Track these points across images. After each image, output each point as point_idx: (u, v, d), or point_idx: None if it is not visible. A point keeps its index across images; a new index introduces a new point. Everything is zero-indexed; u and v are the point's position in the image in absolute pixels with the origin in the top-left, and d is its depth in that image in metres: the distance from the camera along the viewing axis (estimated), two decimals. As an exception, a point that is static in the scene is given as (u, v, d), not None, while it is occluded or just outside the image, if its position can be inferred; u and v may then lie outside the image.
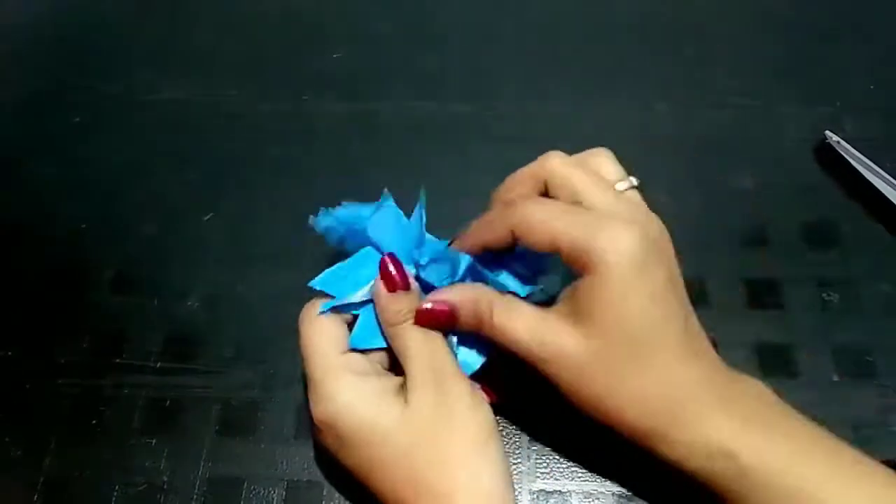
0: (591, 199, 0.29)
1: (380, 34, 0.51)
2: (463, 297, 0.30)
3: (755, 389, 0.29)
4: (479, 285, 0.31)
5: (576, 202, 0.29)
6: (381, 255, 0.31)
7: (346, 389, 0.29)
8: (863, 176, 0.41)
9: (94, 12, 0.54)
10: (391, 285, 0.30)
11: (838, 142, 0.42)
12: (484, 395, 0.31)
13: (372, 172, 0.44)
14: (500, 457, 0.29)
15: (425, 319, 0.30)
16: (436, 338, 0.30)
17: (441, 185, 0.43)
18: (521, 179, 0.32)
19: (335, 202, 0.43)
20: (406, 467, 0.28)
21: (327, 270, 0.32)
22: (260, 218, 0.43)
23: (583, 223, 0.28)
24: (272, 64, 0.50)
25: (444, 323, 0.30)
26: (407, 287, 0.30)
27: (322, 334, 0.30)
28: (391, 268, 0.30)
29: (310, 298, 0.32)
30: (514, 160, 0.43)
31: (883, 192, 0.40)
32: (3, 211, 0.45)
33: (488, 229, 0.31)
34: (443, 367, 0.29)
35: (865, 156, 0.41)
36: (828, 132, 0.43)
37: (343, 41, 0.51)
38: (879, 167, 0.41)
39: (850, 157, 0.42)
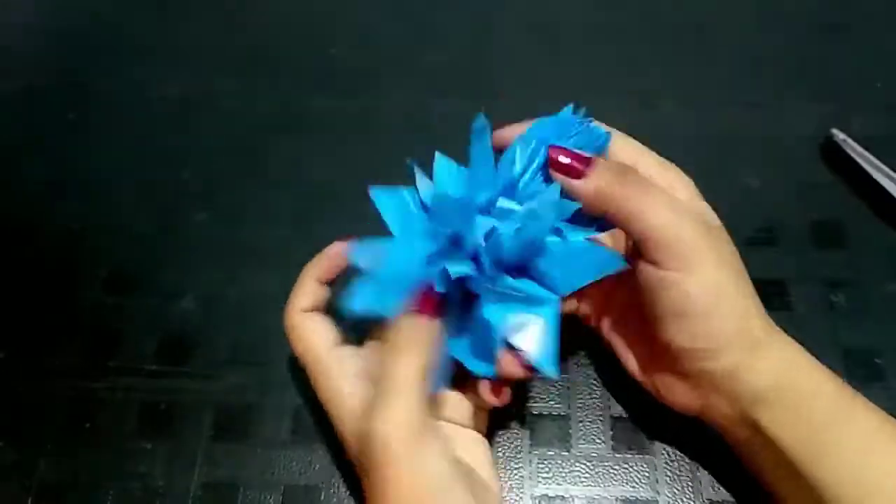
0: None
1: (379, 32, 0.51)
2: (607, 170, 0.30)
3: (795, 350, 0.30)
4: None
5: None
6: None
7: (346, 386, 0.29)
8: (869, 174, 0.41)
9: (91, 10, 0.54)
10: (423, 310, 0.28)
11: (845, 140, 0.42)
12: (492, 398, 0.30)
13: (371, 171, 0.43)
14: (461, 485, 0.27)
15: (554, 157, 0.30)
16: (416, 385, 0.27)
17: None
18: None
19: (335, 202, 0.42)
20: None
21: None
22: (257, 218, 0.42)
23: (686, 229, 0.29)
24: (271, 62, 0.50)
25: (569, 172, 0.30)
26: (435, 316, 0.28)
27: (311, 337, 0.31)
28: (427, 299, 0.28)
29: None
30: (514, 159, 0.43)
31: (890, 190, 0.40)
32: (-2, 210, 0.44)
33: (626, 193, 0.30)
34: (394, 420, 0.26)
35: (872, 154, 0.41)
36: (834, 130, 0.42)
37: (342, 39, 0.50)
38: (886, 165, 0.40)
39: (857, 156, 0.41)
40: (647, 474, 0.34)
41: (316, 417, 0.35)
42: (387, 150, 0.45)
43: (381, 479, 0.26)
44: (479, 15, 0.51)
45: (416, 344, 0.28)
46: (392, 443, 0.26)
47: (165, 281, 0.40)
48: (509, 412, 0.35)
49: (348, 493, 0.34)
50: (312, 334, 0.31)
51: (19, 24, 0.54)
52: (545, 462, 0.34)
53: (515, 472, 0.34)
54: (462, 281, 0.29)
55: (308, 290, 0.32)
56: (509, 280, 0.30)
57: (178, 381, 0.37)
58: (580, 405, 0.35)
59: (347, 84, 0.48)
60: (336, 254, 0.32)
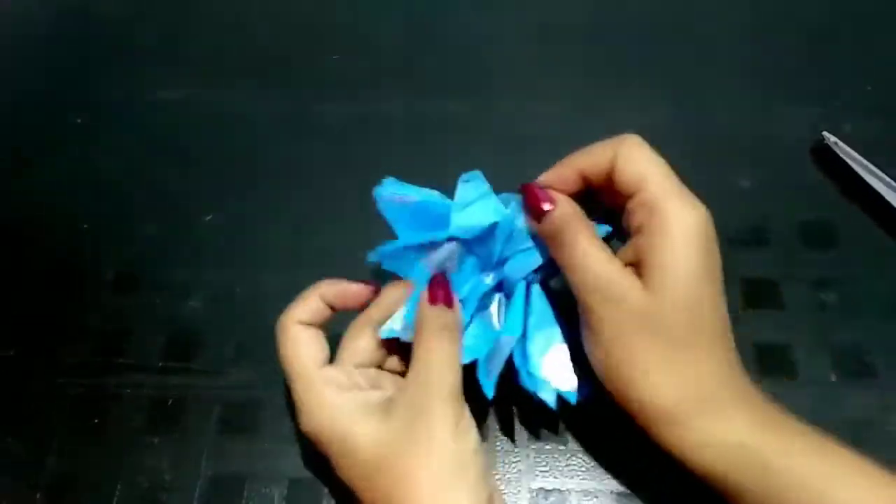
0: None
1: (380, 34, 0.51)
2: (565, 206, 0.30)
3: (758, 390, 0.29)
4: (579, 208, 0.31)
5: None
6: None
7: (327, 404, 0.29)
8: (860, 176, 0.41)
9: (95, 12, 0.54)
10: (434, 299, 0.30)
11: (836, 142, 0.42)
12: None
13: (372, 172, 0.44)
14: (477, 486, 0.28)
15: (526, 192, 0.31)
16: (449, 365, 0.29)
17: (440, 186, 0.43)
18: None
19: (335, 202, 0.43)
20: (373, 485, 0.28)
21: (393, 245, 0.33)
22: (261, 218, 0.43)
23: (672, 182, 0.29)
24: (272, 64, 0.50)
25: (536, 209, 0.31)
26: (450, 304, 0.31)
27: (300, 348, 0.31)
28: (439, 287, 0.31)
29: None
30: (514, 160, 0.44)
31: (880, 192, 0.40)
32: (5, 211, 0.45)
33: (588, 155, 0.31)
34: (438, 386, 0.29)
35: (863, 156, 0.41)
36: (825, 133, 0.43)
37: (343, 41, 0.51)
38: (877, 168, 0.41)
39: (848, 158, 0.42)
40: (643, 468, 0.34)
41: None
42: (388, 152, 0.45)
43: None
44: (478, 18, 0.52)
45: (439, 333, 0.30)
46: (328, 434, 0.29)
47: (173, 280, 0.41)
48: (508, 407, 0.36)
49: (352, 486, 0.34)
50: (301, 345, 0.31)
51: (28, 28, 0.54)
52: (542, 456, 0.35)
53: (513, 465, 0.35)
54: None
55: (311, 305, 0.32)
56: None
57: (185, 377, 0.37)
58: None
59: (349, 87, 0.48)
60: (356, 291, 0.33)
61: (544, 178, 0.32)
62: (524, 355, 0.32)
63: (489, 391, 0.31)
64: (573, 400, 0.32)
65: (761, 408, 0.28)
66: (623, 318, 0.28)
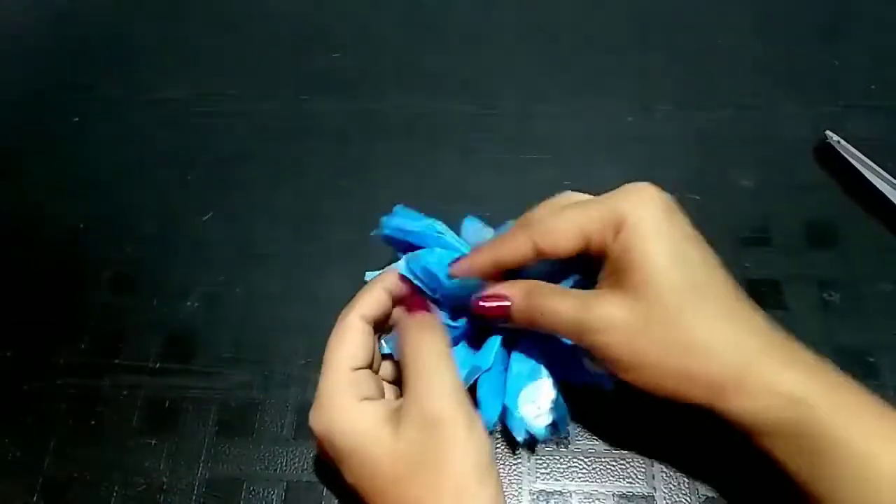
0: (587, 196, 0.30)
1: (380, 34, 0.51)
2: (519, 294, 0.30)
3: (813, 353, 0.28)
4: (521, 280, 0.31)
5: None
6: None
7: (345, 411, 0.29)
8: (863, 176, 0.41)
9: (94, 12, 0.54)
10: (411, 307, 0.31)
11: (839, 141, 0.42)
12: None
13: (372, 172, 0.44)
14: (495, 492, 0.27)
15: (482, 311, 0.31)
16: (445, 361, 0.29)
17: (441, 186, 0.43)
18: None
19: (335, 202, 0.43)
20: (390, 498, 0.27)
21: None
22: (259, 218, 0.43)
23: (603, 201, 0.29)
24: (272, 64, 0.50)
25: (499, 318, 0.31)
26: (426, 310, 0.31)
27: (345, 344, 0.30)
28: (413, 301, 0.31)
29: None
30: (513, 160, 0.44)
31: (883, 191, 0.40)
32: (2, 209, 0.45)
33: (505, 245, 0.30)
34: (441, 395, 0.28)
35: (866, 155, 0.41)
36: (828, 132, 0.43)
37: (343, 41, 0.51)
38: (880, 167, 0.41)
39: (851, 157, 0.42)
40: (643, 470, 0.34)
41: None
42: (387, 153, 0.45)
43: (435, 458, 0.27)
44: (478, 19, 0.52)
45: (425, 334, 0.30)
46: (341, 442, 0.28)
47: (170, 280, 0.40)
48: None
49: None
50: (347, 342, 0.30)
51: (27, 28, 0.54)
52: (543, 458, 0.35)
53: (514, 467, 0.34)
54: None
55: (376, 298, 0.31)
56: None
57: (182, 378, 0.37)
58: (578, 402, 0.36)
59: (348, 87, 0.48)
60: (408, 291, 0.32)
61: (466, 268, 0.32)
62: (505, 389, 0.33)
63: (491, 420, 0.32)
64: (542, 435, 0.32)
65: (807, 357, 0.27)
66: (624, 335, 0.27)
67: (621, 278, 0.28)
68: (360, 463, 0.28)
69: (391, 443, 0.27)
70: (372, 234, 0.34)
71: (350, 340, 0.30)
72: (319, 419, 0.29)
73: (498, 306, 0.30)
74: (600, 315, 0.28)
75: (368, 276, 0.34)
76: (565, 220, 0.29)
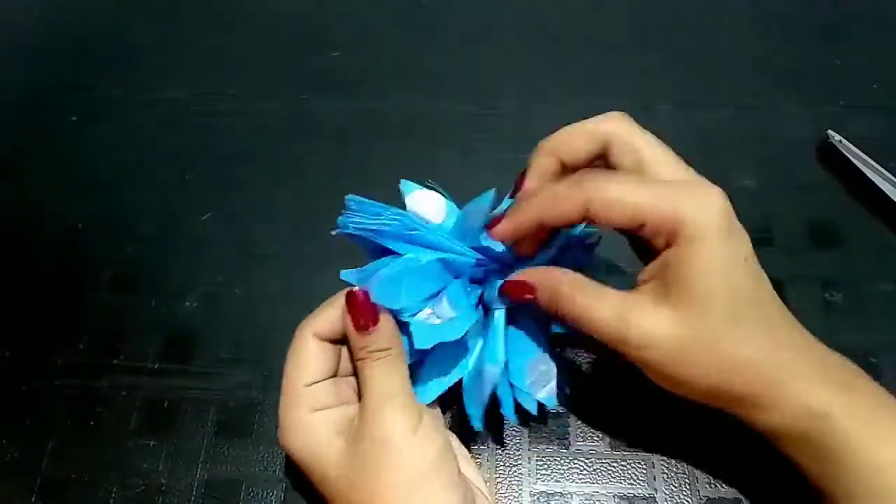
0: (662, 167, 0.28)
1: (380, 34, 0.51)
2: (542, 278, 0.29)
3: (849, 363, 0.28)
4: (560, 269, 0.30)
5: (641, 170, 0.29)
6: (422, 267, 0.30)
7: (302, 424, 0.29)
8: (865, 175, 0.41)
9: (94, 12, 0.54)
10: (358, 323, 0.29)
11: (840, 141, 0.42)
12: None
13: (372, 172, 0.44)
14: (449, 489, 0.27)
15: (506, 292, 0.30)
16: (395, 374, 0.29)
17: (440, 185, 0.43)
18: (578, 134, 0.30)
19: (335, 202, 0.43)
20: (347, 502, 0.27)
21: (372, 268, 0.31)
22: (259, 218, 0.43)
23: (668, 192, 0.27)
24: (272, 64, 0.50)
25: (523, 300, 0.30)
26: (375, 324, 0.29)
27: (299, 363, 0.30)
28: (359, 307, 0.29)
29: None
30: (513, 160, 0.44)
31: (885, 191, 0.40)
32: (1, 209, 0.45)
33: (552, 206, 0.28)
34: (387, 399, 0.28)
35: (868, 155, 0.41)
36: (830, 131, 0.43)
37: (343, 41, 0.51)
38: (882, 166, 0.41)
39: (853, 157, 0.41)
40: (644, 471, 0.34)
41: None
42: (386, 153, 0.45)
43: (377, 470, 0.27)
44: (477, 20, 0.52)
45: (378, 367, 0.29)
46: (299, 455, 0.28)
47: (169, 281, 0.40)
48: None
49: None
50: (300, 361, 0.30)
51: (27, 28, 0.54)
52: (544, 459, 0.34)
53: (514, 469, 0.34)
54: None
55: (331, 316, 0.30)
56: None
57: (181, 379, 0.37)
58: (579, 403, 0.36)
59: (348, 87, 0.48)
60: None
61: (528, 183, 0.31)
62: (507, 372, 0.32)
63: (477, 423, 0.31)
64: (552, 405, 0.32)
65: (839, 372, 0.27)
66: (665, 350, 0.27)
67: (670, 289, 0.27)
68: (317, 475, 0.28)
69: (342, 450, 0.28)
70: (332, 233, 0.32)
71: (303, 358, 0.30)
72: (281, 436, 0.29)
73: (524, 296, 0.30)
74: (643, 331, 0.27)
75: (343, 275, 0.32)
76: (626, 196, 0.27)
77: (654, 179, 0.28)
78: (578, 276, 0.29)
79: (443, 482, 0.28)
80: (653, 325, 0.27)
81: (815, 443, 0.27)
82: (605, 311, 0.27)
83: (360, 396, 0.30)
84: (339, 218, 0.31)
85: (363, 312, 0.29)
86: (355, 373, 0.30)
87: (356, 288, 0.29)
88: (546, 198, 0.28)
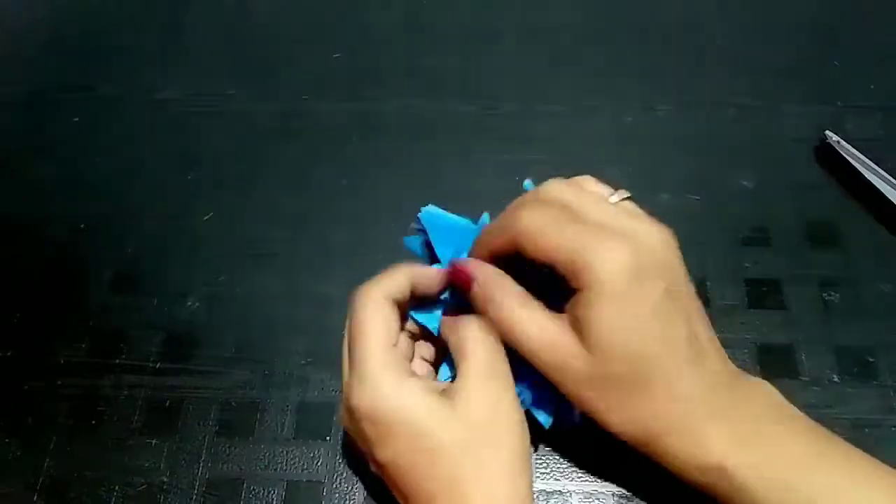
0: (584, 209, 0.29)
1: (380, 34, 0.51)
2: (483, 275, 0.30)
3: (761, 394, 0.28)
4: (505, 276, 0.30)
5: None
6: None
7: (395, 382, 0.28)
8: (863, 176, 0.41)
9: (94, 13, 0.54)
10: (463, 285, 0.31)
11: (839, 141, 0.42)
12: None
13: (372, 172, 0.44)
14: (532, 472, 0.29)
15: (452, 272, 0.31)
16: (494, 339, 0.29)
17: (441, 185, 0.43)
18: (520, 202, 0.31)
19: (334, 202, 0.43)
20: (448, 470, 0.27)
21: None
22: (260, 218, 0.43)
23: (579, 237, 0.27)
24: (272, 64, 0.50)
25: (461, 286, 0.31)
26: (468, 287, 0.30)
27: (380, 322, 0.29)
28: (461, 273, 0.31)
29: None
30: (514, 160, 0.44)
31: (883, 191, 0.40)
32: (3, 210, 0.45)
33: (494, 236, 0.30)
34: (499, 373, 0.29)
35: (866, 155, 0.41)
36: (828, 132, 0.43)
37: (343, 41, 0.51)
38: (880, 167, 0.41)
39: (851, 157, 0.42)
40: (644, 471, 0.34)
41: (318, 414, 0.36)
42: (387, 153, 0.45)
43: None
44: (477, 20, 0.52)
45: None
46: (391, 413, 0.28)
47: (171, 280, 0.41)
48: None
49: (350, 488, 0.34)
50: (381, 320, 0.30)
51: (27, 28, 0.54)
52: (544, 458, 0.35)
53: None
54: None
55: (399, 282, 0.31)
56: None
57: (182, 378, 0.37)
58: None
59: (350, 87, 0.48)
60: (433, 276, 0.32)
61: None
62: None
63: (545, 420, 0.32)
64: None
65: (741, 421, 0.27)
66: (575, 378, 0.28)
67: (582, 328, 0.27)
68: (412, 435, 0.27)
69: (449, 414, 0.28)
70: (405, 239, 0.34)
71: (382, 318, 0.30)
72: (363, 396, 0.28)
73: (465, 278, 0.31)
74: (561, 354, 0.28)
75: (407, 242, 0.34)
76: (539, 236, 0.28)
77: (577, 219, 0.28)
78: (517, 289, 0.30)
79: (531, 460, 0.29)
80: (570, 352, 0.28)
81: (719, 493, 0.27)
82: (532, 329, 0.28)
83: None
84: (406, 238, 0.34)
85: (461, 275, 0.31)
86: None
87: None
88: (491, 228, 0.31)
